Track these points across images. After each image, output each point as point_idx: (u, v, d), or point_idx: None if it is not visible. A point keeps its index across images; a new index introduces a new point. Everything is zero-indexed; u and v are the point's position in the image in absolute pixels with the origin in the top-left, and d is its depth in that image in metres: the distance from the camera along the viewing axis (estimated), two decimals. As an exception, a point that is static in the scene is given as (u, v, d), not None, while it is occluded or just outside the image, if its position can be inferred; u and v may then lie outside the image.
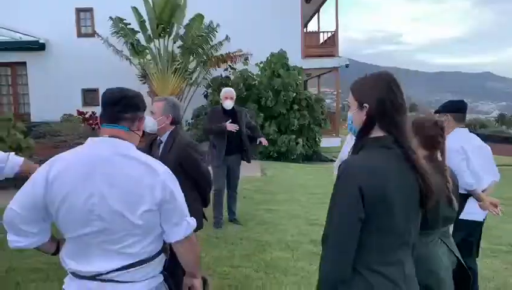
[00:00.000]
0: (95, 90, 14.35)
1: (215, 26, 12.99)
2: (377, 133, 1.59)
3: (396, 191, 1.52)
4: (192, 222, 1.84)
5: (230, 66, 13.68)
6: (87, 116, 12.96)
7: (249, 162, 5.75)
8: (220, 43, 13.17)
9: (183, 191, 2.50)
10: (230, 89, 5.80)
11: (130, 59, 12.93)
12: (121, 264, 1.69)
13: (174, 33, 12.90)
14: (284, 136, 12.50)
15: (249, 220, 5.85)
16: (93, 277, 1.70)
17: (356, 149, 1.64)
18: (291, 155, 12.57)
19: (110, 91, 1.85)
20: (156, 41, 12.84)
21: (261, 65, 13.40)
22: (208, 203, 3.17)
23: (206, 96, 13.75)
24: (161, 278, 1.84)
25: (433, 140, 2.30)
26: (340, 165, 1.58)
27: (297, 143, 12.64)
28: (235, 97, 5.61)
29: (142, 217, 1.67)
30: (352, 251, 1.51)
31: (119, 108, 1.79)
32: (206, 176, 3.01)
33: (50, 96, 14.07)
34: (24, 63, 14.42)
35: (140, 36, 12.90)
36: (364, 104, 1.61)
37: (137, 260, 1.72)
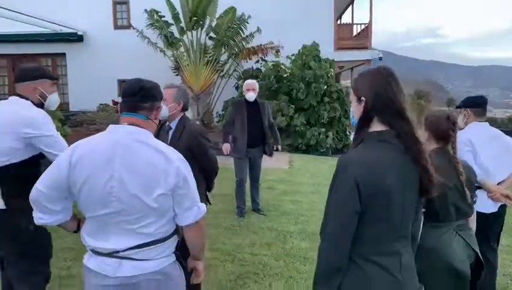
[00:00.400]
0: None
1: (246, 18, 13.05)
2: (378, 127, 1.64)
3: (394, 186, 1.55)
4: (203, 208, 1.95)
5: (261, 58, 13.73)
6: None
7: (270, 155, 5.80)
8: (252, 35, 13.23)
9: (197, 180, 2.63)
10: (253, 80, 5.83)
11: (164, 51, 13.20)
12: (136, 243, 1.83)
13: (206, 25, 13.05)
14: (314, 128, 12.48)
15: (272, 211, 5.95)
16: (111, 254, 1.84)
17: (356, 143, 1.69)
18: (321, 148, 12.54)
19: (129, 82, 1.99)
20: (189, 33, 13.04)
21: (293, 57, 13.39)
22: (212, 188, 3.28)
23: (237, 88, 13.88)
24: (174, 257, 1.96)
25: (445, 134, 2.35)
26: (339, 158, 1.65)
27: (327, 136, 12.60)
28: (257, 89, 5.64)
29: (157, 200, 1.80)
30: (348, 242, 1.56)
31: (138, 98, 1.92)
32: (213, 162, 3.12)
33: (87, 86, 14.58)
34: (64, 54, 14.99)
35: (174, 29, 13.13)
36: (362, 98, 1.67)
37: (151, 239, 1.85)
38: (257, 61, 13.76)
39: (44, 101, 2.65)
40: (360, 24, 16.56)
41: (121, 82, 14.86)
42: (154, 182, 1.79)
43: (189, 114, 12.63)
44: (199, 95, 13.24)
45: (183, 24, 12.99)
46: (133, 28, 13.24)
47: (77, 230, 2.04)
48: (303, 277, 3.87)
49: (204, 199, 3.20)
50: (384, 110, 1.62)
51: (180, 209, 1.88)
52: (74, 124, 11.96)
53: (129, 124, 1.90)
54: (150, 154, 1.82)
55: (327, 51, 13.82)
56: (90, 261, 1.90)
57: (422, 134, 2.44)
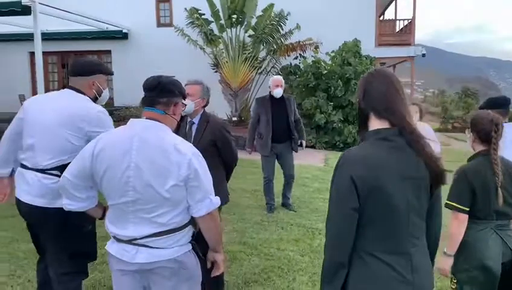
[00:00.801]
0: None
1: (285, 14, 13.05)
2: (377, 125, 1.65)
3: (392, 183, 1.55)
4: (216, 200, 2.01)
5: (300, 54, 13.69)
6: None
7: (296, 151, 5.77)
8: (291, 32, 13.22)
9: (217, 170, 2.70)
10: (280, 76, 5.83)
11: (203, 48, 13.44)
12: (152, 231, 1.93)
13: (245, 22, 13.17)
14: (351, 126, 12.34)
15: (303, 207, 5.97)
16: (129, 241, 1.96)
17: (359, 141, 1.74)
18: (359, 146, 12.38)
19: (149, 78, 2.09)
20: (228, 30, 13.21)
21: (332, 54, 13.27)
22: (228, 180, 3.40)
23: (275, 84, 13.92)
24: (189, 246, 2.05)
25: (488, 135, 2.42)
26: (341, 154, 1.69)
27: (365, 134, 12.41)
28: (284, 85, 5.67)
29: (169, 191, 1.89)
30: (349, 239, 1.57)
31: (155, 93, 2.02)
32: (235, 155, 3.26)
33: (131, 82, 14.99)
34: (109, 51, 15.57)
35: (213, 26, 13.34)
36: (357, 98, 1.73)
37: (166, 229, 1.95)
38: (295, 58, 13.74)
39: (99, 96, 2.65)
40: (403, 20, 16.14)
41: (163, 78, 15.27)
42: (167, 172, 1.88)
43: (226, 109, 12.68)
44: (237, 92, 13.40)
45: (222, 21, 13.18)
46: (174, 27, 13.56)
47: (102, 217, 2.19)
48: (327, 274, 3.89)
49: (226, 191, 3.31)
50: (379, 107, 1.65)
51: (192, 201, 1.96)
52: (118, 119, 12.44)
53: (147, 118, 2.00)
54: (164, 147, 1.91)
55: (368, 47, 13.59)
56: (111, 247, 2.03)
57: (468, 135, 2.57)
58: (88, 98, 2.56)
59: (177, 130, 3.10)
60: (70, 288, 2.58)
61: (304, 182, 7.43)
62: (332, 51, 13.29)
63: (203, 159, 2.01)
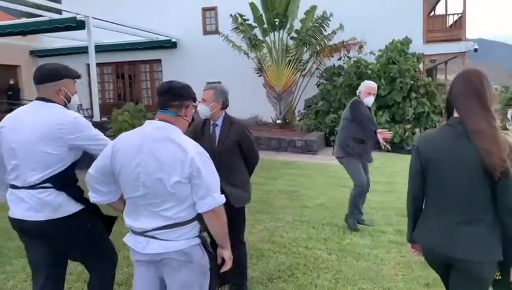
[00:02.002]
0: (218, 83, 15.50)
1: (328, 15, 13.02)
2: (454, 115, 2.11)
3: (444, 157, 2.02)
4: (220, 199, 2.13)
5: (345, 54, 13.58)
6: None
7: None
8: (334, 32, 13.16)
9: (241, 169, 2.84)
10: (374, 83, 5.13)
11: (247, 53, 13.70)
12: (160, 224, 2.09)
13: (288, 25, 13.27)
14: (398, 126, 12.04)
15: (338, 208, 5.95)
16: (142, 233, 2.14)
17: None
18: (407, 146, 12.06)
19: (162, 83, 2.27)
20: (272, 34, 13.38)
21: (378, 53, 13.05)
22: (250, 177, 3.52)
23: (318, 86, 13.90)
24: (197, 240, 2.18)
25: None
26: None
27: (413, 133, 12.07)
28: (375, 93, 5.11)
29: (174, 186, 2.04)
30: (418, 190, 2.16)
31: (167, 97, 2.18)
32: (256, 155, 3.41)
33: (180, 89, 15.66)
34: (159, 60, 16.28)
35: (257, 31, 13.56)
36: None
37: (172, 222, 2.10)
38: (339, 58, 13.63)
39: (69, 102, 2.53)
40: (453, 14, 15.52)
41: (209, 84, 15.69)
42: (172, 170, 2.03)
43: (271, 112, 12.83)
44: (281, 95, 13.52)
45: (265, 26, 13.37)
46: (220, 33, 13.94)
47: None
48: (353, 272, 3.90)
49: (250, 190, 3.46)
50: (454, 102, 2.11)
51: (196, 198, 2.10)
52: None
53: (160, 120, 2.17)
54: (171, 147, 2.07)
55: (416, 44, 13.22)
56: (128, 238, 2.22)
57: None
58: (59, 105, 2.46)
59: (202, 132, 3.28)
60: (107, 275, 2.70)
61: (343, 183, 7.38)
62: (379, 50, 13.07)
63: (209, 159, 2.14)
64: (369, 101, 4.98)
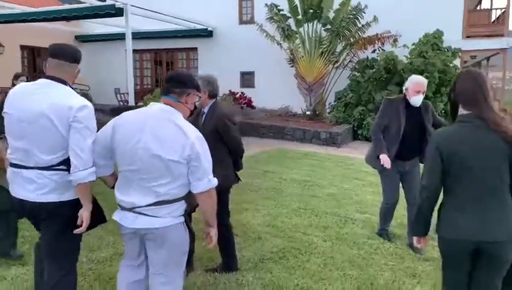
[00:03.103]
0: (251, 73, 15.71)
1: (363, 7, 12.85)
2: (462, 112, 2.29)
3: (466, 151, 2.18)
4: (214, 181, 2.37)
5: (380, 47, 13.35)
6: (237, 96, 14.39)
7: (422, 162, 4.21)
8: (368, 24, 12.98)
9: (219, 155, 3.05)
10: (423, 79, 4.27)
11: (280, 44, 13.77)
12: (150, 201, 2.29)
13: (323, 17, 13.20)
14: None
15: (347, 199, 6.03)
16: (131, 209, 2.32)
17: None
18: (437, 142, 11.79)
19: (170, 72, 2.56)
20: (305, 25, 13.37)
21: (412, 46, 12.75)
22: (240, 167, 3.65)
23: (351, 79, 13.77)
24: (181, 219, 2.40)
25: None
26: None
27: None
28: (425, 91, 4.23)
29: (171, 165, 2.24)
30: (437, 184, 2.28)
31: (171, 83, 2.42)
32: (237, 140, 3.51)
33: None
34: (196, 49, 16.62)
35: (291, 21, 13.60)
36: (450, 92, 2.40)
37: (162, 199, 2.29)
38: (374, 51, 13.42)
39: (72, 85, 2.53)
40: (496, 9, 14.86)
41: (243, 74, 15.90)
42: (171, 150, 2.24)
43: (301, 103, 12.86)
44: (312, 86, 13.52)
45: (300, 16, 13.37)
46: (255, 23, 14.08)
47: (113, 187, 2.50)
48: (343, 259, 4.01)
49: (233, 175, 3.61)
50: (461, 100, 2.30)
51: (192, 179, 2.31)
52: (197, 112, 13.30)
53: (163, 103, 2.39)
54: (173, 129, 2.29)
55: (454, 39, 12.79)
56: (116, 214, 2.42)
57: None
58: (69, 88, 2.44)
59: (196, 121, 3.47)
60: (72, 276, 2.61)
61: (359, 176, 7.42)
62: (413, 44, 12.77)
63: (206, 144, 2.35)
64: (417, 100, 4.13)
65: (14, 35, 14.65)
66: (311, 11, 13.14)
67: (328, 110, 14.06)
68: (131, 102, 12.90)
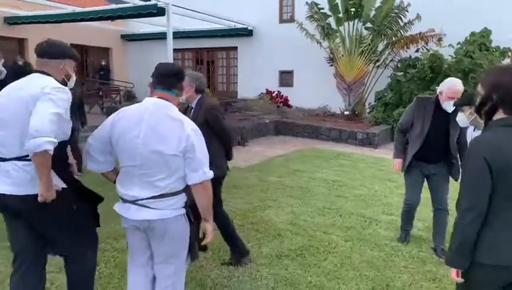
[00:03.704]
0: (290, 72, 15.67)
1: (405, 5, 12.50)
2: (501, 115, 1.93)
3: None
4: (209, 173, 2.40)
5: (424, 46, 12.94)
6: (273, 95, 14.41)
7: (455, 179, 4.15)
8: (410, 23, 12.61)
9: (211, 146, 3.14)
10: (460, 84, 3.96)
11: (320, 42, 13.65)
12: (151, 194, 2.34)
13: (364, 15, 12.97)
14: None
15: (375, 200, 5.91)
16: (133, 201, 2.37)
17: (484, 130, 2.01)
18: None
19: (164, 65, 2.52)
20: (346, 24, 13.18)
21: (458, 46, 12.26)
22: (231, 157, 3.71)
23: (392, 78, 13.43)
24: (182, 211, 2.45)
25: None
26: (470, 142, 2.00)
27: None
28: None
29: (169, 159, 2.30)
30: (484, 204, 1.86)
31: (175, 78, 2.44)
32: (226, 130, 3.62)
33: (253, 76, 16.07)
34: (235, 48, 16.78)
35: (331, 20, 13.45)
36: (483, 90, 1.98)
37: (163, 192, 2.35)
38: (417, 50, 13.02)
39: (68, 81, 2.59)
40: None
41: (282, 73, 15.89)
42: (168, 144, 2.29)
43: (340, 103, 12.75)
44: (351, 86, 13.31)
45: (340, 15, 13.19)
46: (295, 21, 14.04)
47: (115, 182, 2.54)
48: (361, 259, 3.95)
49: (224, 167, 3.68)
50: (505, 99, 1.91)
51: (188, 170, 2.35)
52: (234, 110, 13.48)
53: (159, 98, 2.40)
54: (170, 122, 2.34)
55: (503, 38, 12.16)
56: (118, 206, 2.47)
57: None
58: (55, 80, 2.44)
59: (184, 114, 3.54)
60: (86, 266, 2.66)
61: (391, 177, 7.24)
62: (458, 43, 12.28)
63: (202, 136, 2.40)
64: (450, 106, 3.91)
65: (65, 35, 15.29)
66: (352, 9, 12.93)
67: (367, 111, 13.79)
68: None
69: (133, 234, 2.51)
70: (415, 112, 4.21)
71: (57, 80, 2.45)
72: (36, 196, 2.27)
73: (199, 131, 2.39)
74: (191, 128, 2.34)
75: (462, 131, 4.14)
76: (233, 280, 3.50)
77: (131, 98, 17.27)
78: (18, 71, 12.92)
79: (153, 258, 2.53)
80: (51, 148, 2.20)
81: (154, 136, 2.29)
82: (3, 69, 11.70)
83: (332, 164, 8.32)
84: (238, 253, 3.74)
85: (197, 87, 3.53)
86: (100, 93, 15.23)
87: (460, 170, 3.72)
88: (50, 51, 2.50)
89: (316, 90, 14.51)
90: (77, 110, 6.35)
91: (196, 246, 2.68)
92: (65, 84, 2.53)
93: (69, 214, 2.48)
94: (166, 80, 2.43)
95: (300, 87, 15.18)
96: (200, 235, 2.61)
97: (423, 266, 3.88)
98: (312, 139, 11.47)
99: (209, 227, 2.52)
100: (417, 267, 3.85)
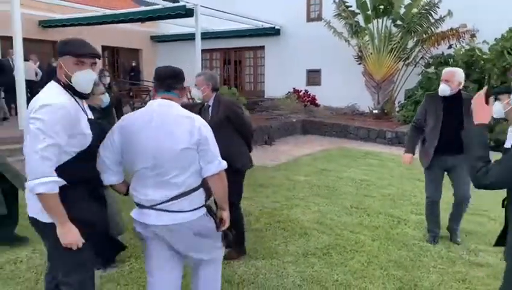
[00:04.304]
0: (318, 71, 15.59)
1: (436, 1, 12.23)
2: None
3: None
4: (223, 163, 2.43)
5: (457, 43, 12.60)
6: (301, 94, 14.37)
7: None
8: (441, 19, 12.33)
9: (231, 139, 3.14)
10: (451, 69, 4.27)
11: (348, 40, 13.53)
12: (168, 194, 2.31)
13: (393, 12, 12.77)
14: (506, 122, 10.93)
15: (404, 200, 5.83)
16: (151, 207, 2.32)
17: None
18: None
19: (163, 68, 2.49)
20: (375, 21, 13.01)
21: (493, 42, 11.90)
22: (251, 149, 3.82)
23: (422, 75, 13.17)
24: (204, 210, 2.45)
25: None
26: None
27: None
28: (456, 81, 4.10)
29: (182, 153, 2.29)
30: None
31: (174, 80, 2.43)
32: (247, 124, 3.73)
33: (280, 75, 16.08)
34: (263, 47, 16.82)
35: (359, 18, 13.31)
36: None
37: (181, 191, 2.32)
38: (450, 47, 12.70)
39: (70, 82, 2.18)
40: None
41: (309, 72, 15.82)
42: (180, 139, 2.29)
43: (368, 102, 12.62)
44: (380, 84, 13.14)
45: (369, 12, 13.04)
46: (323, 20, 13.96)
47: (126, 193, 2.49)
48: (388, 259, 3.92)
49: (247, 157, 3.74)
50: None
51: (203, 162, 2.36)
52: (261, 109, 13.53)
53: (162, 99, 2.39)
54: (179, 119, 2.33)
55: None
56: (134, 213, 2.43)
57: None
58: (56, 84, 2.20)
59: (200, 113, 3.54)
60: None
61: (421, 177, 7.08)
62: (495, 39, 11.91)
63: (210, 129, 2.42)
64: (441, 88, 4.12)
65: (97, 37, 15.80)
66: (381, 6, 12.74)
67: (397, 109, 13.57)
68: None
69: (152, 241, 2.44)
70: (426, 108, 4.32)
71: (60, 83, 2.20)
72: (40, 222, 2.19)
73: (207, 125, 2.40)
74: (200, 122, 2.35)
75: None
76: (260, 276, 3.54)
77: (160, 98, 17.58)
78: (53, 73, 13.48)
79: (180, 261, 2.54)
80: (45, 191, 2.01)
81: (165, 134, 2.28)
82: (39, 71, 12.17)
83: (360, 163, 8.24)
84: (237, 250, 3.82)
85: (213, 86, 3.60)
86: (131, 93, 15.58)
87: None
88: (58, 49, 2.23)
89: (344, 89, 14.38)
90: (114, 111, 6.37)
91: (230, 235, 2.69)
92: (69, 86, 2.19)
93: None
94: (165, 81, 2.42)
95: (328, 86, 15.08)
96: (217, 221, 2.63)
97: (452, 267, 3.81)
98: (340, 138, 11.39)
99: (225, 214, 2.55)
100: (446, 267, 3.79)
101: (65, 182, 2.07)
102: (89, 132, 2.21)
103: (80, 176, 2.18)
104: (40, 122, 2.02)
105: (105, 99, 3.86)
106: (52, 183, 2.03)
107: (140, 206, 2.38)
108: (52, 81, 2.22)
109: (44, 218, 2.15)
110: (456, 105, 4.13)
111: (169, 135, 2.29)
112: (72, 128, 2.11)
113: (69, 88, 2.20)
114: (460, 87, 4.18)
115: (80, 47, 2.20)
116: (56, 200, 2.06)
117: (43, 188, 2.01)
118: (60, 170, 2.08)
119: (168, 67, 2.51)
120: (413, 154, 4.46)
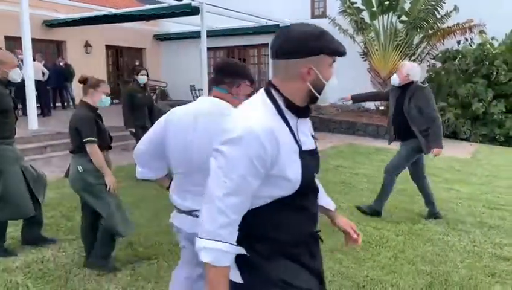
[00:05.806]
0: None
1: (442, -3, 12.23)
2: None
3: None
4: None
5: (466, 38, 12.56)
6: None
7: (424, 152, 4.73)
8: (448, 14, 12.32)
9: None
10: (404, 62, 5.00)
11: (353, 37, 13.51)
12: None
13: (398, 8, 12.76)
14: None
15: (419, 194, 5.76)
16: (189, 213, 2.17)
17: None
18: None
19: (219, 61, 2.41)
20: (380, 18, 13.00)
21: (502, 38, 11.90)
22: None
23: (431, 70, 13.16)
24: None
25: None
26: None
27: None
28: (406, 72, 4.55)
29: None
30: None
31: (222, 74, 2.19)
32: None
33: (285, 73, 16.06)
34: (267, 45, 16.74)
35: (365, 14, 13.29)
36: None
37: None
38: (458, 42, 12.64)
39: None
40: None
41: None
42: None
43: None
44: (386, 80, 13.12)
45: (374, 8, 13.02)
46: (328, 17, 13.94)
47: (168, 188, 2.38)
48: (415, 254, 3.91)
49: None
50: None
51: None
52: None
53: (213, 96, 2.19)
54: (222, 122, 2.23)
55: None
56: (174, 218, 2.32)
57: None
58: None
59: None
60: None
61: (434, 172, 7.10)
62: (505, 34, 11.91)
63: None
64: (392, 78, 4.85)
65: (100, 36, 15.81)
66: (386, 2, 12.74)
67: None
68: (205, 97, 13.34)
69: (187, 246, 2.32)
70: (390, 94, 4.99)
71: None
72: None
73: None
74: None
75: (430, 103, 4.61)
76: (289, 273, 3.52)
77: (164, 97, 17.56)
78: (59, 72, 13.47)
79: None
80: None
81: (206, 139, 2.04)
82: (46, 70, 12.13)
83: (373, 159, 8.25)
84: None
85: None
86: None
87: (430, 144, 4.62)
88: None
89: (350, 86, 14.19)
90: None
91: None
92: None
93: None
94: (216, 76, 2.23)
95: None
96: None
97: (480, 261, 3.81)
98: (348, 135, 11.41)
99: None
100: (474, 262, 3.79)
101: None
102: None
103: None
104: None
105: None
106: None
107: (178, 210, 2.28)
108: None
109: None
110: (401, 94, 4.71)
111: (210, 141, 2.00)
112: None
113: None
114: (408, 80, 4.60)
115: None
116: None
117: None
118: None
119: (224, 59, 2.44)
120: (353, 101, 5.39)
